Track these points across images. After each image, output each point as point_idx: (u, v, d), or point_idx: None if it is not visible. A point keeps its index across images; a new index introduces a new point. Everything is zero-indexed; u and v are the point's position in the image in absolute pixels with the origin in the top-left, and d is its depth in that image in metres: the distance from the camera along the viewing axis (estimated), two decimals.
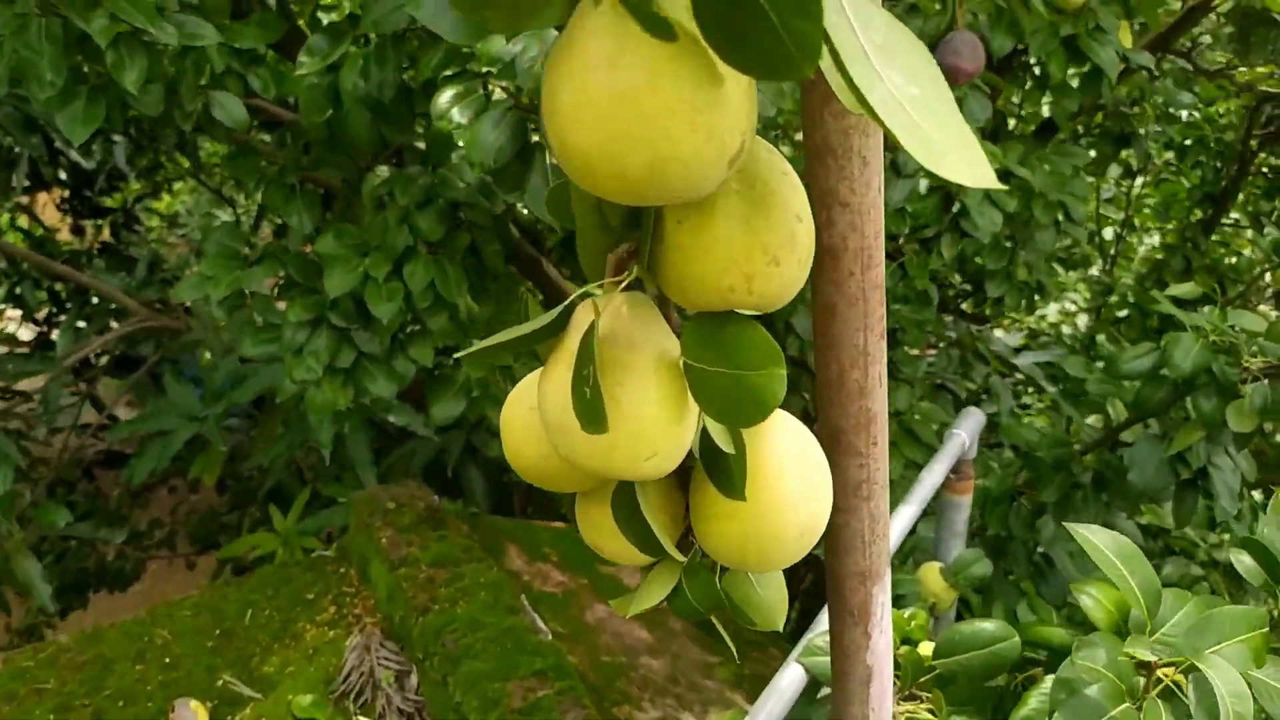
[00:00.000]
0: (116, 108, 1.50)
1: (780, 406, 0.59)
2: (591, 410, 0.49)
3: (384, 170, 1.76)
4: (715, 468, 0.57)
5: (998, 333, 3.79)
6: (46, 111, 1.49)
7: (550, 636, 1.71)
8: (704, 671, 1.92)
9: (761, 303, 0.48)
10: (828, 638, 1.25)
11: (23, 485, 3.35)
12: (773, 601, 0.70)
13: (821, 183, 0.66)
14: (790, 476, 0.58)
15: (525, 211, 2.04)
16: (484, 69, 1.26)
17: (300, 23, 1.94)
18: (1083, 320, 4.10)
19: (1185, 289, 2.36)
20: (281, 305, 2.00)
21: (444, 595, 1.78)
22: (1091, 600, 1.19)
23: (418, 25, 1.43)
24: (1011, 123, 2.74)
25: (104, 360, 4.46)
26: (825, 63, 0.35)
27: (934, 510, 2.38)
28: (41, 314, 4.80)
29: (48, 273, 4.47)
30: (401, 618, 1.81)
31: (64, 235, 5.33)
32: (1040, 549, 2.22)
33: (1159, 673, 0.91)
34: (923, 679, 1.20)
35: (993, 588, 2.18)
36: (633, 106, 0.35)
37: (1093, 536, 0.93)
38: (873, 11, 0.38)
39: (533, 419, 0.61)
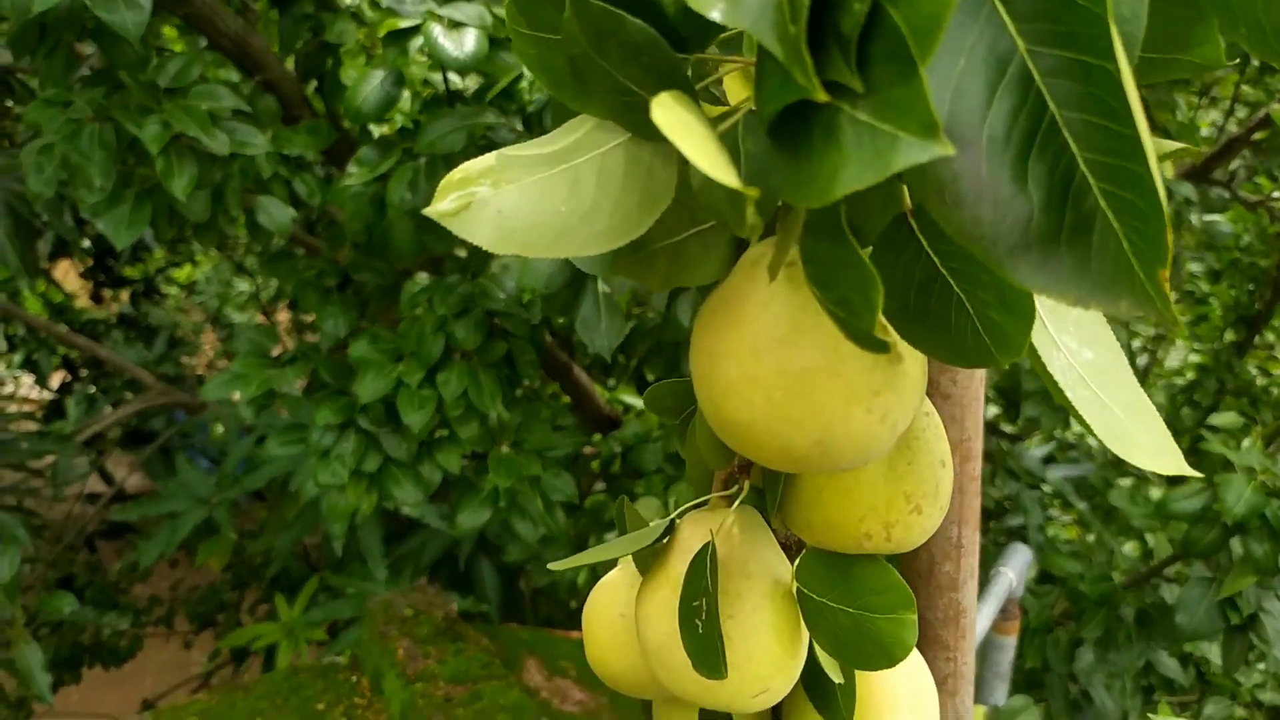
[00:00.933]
0: (163, 212, 1.50)
1: None
2: (706, 651, 0.45)
3: (423, 277, 1.75)
4: (820, 693, 0.53)
5: (1023, 445, 3.74)
6: (90, 215, 1.48)
7: None
8: None
9: (897, 549, 0.45)
10: None
11: (26, 566, 3.29)
12: None
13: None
14: (900, 707, 0.54)
15: (560, 320, 2.03)
16: None
17: (348, 127, 1.95)
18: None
19: (1227, 419, 2.32)
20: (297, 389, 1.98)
21: (461, 716, 1.70)
22: None
23: (475, 145, 1.43)
24: None
25: (114, 432, 4.43)
26: None
27: (978, 650, 2.31)
28: (55, 381, 4.78)
29: (64, 342, 4.47)
30: None
31: (82, 301, 5.36)
32: (1077, 681, 2.14)
33: None
34: None
35: None
36: (808, 390, 0.32)
37: None
38: None
39: (622, 627, 0.56)
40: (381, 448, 1.83)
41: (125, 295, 5.27)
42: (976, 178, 0.25)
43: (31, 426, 4.13)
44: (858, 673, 0.53)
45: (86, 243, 4.90)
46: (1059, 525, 3.70)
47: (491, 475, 1.87)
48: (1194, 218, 2.43)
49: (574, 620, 3.24)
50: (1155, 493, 2.55)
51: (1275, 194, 2.40)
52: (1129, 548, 2.52)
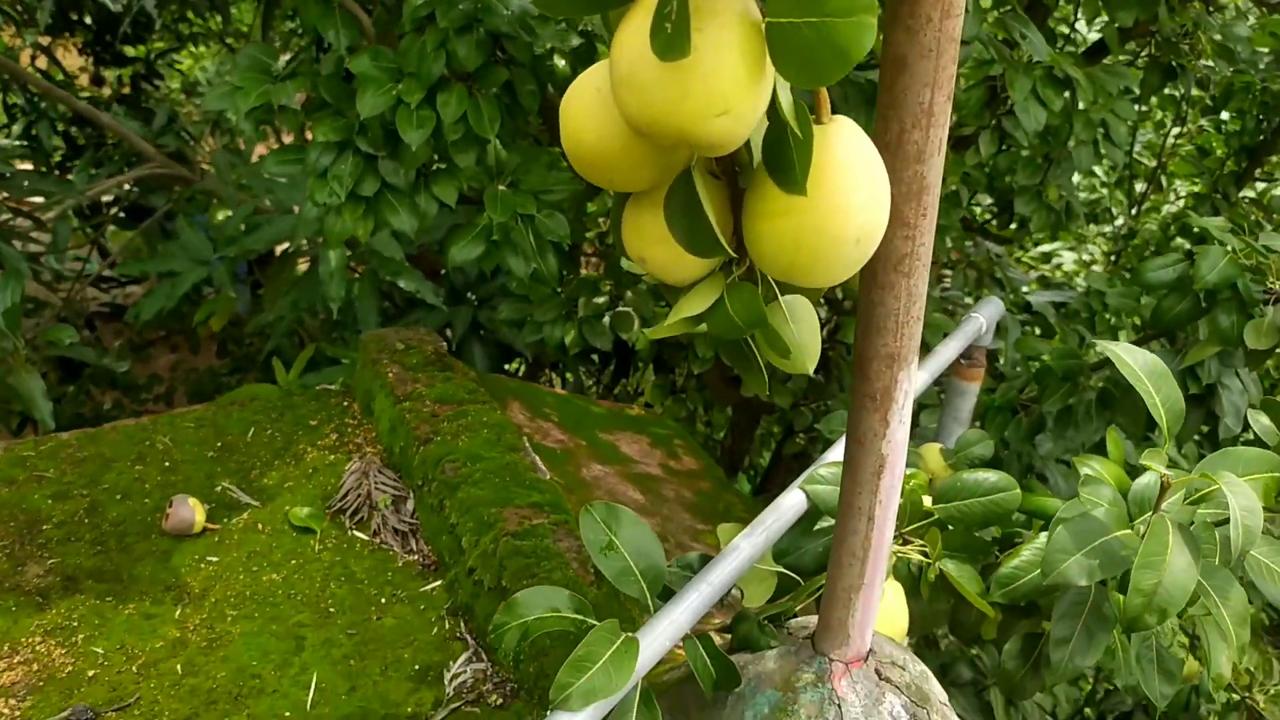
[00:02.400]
0: None
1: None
2: (672, 40, 0.48)
3: None
4: (777, 160, 0.57)
5: (1015, 269, 3.78)
6: None
7: (548, 475, 1.72)
8: (692, 535, 1.95)
9: None
10: (835, 469, 1.26)
11: (27, 323, 3.36)
12: (806, 343, 0.70)
13: None
14: (852, 177, 0.57)
15: (562, 64, 2.01)
16: None
17: None
18: (1099, 269, 4.09)
19: (1215, 222, 2.34)
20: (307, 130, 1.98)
21: (446, 429, 1.79)
22: (1093, 471, 1.20)
23: None
24: (1061, 45, 2.69)
25: (115, 209, 4.43)
26: None
27: (932, 405, 2.40)
28: (55, 159, 4.75)
29: (65, 114, 4.41)
30: (402, 448, 1.82)
31: (82, 82, 5.26)
32: (1035, 467, 2.24)
33: (1167, 500, 0.91)
34: (919, 524, 1.21)
35: None
36: None
37: (1123, 353, 0.93)
38: None
39: (596, 100, 0.60)
40: (379, 172, 1.85)
41: (126, 78, 5.17)
42: None
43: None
44: (814, 146, 0.56)
45: (87, 19, 4.78)
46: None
47: (487, 210, 1.90)
48: (1212, 27, 2.38)
49: None
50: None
51: None
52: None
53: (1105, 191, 3.74)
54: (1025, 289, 3.66)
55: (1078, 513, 0.97)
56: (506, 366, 3.56)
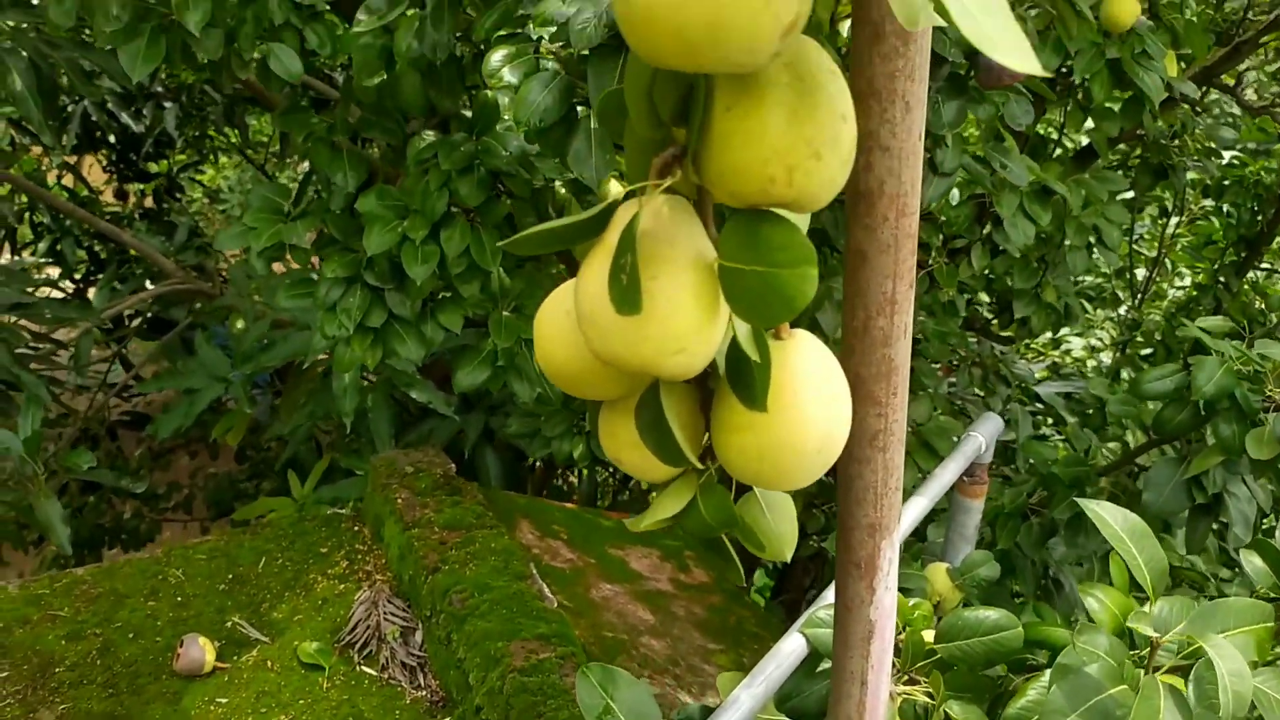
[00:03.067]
0: (176, 49, 1.55)
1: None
2: (627, 294, 0.51)
3: (429, 135, 1.79)
4: (739, 378, 0.59)
5: (1021, 363, 3.78)
6: (107, 43, 1.53)
7: (555, 604, 1.73)
8: (703, 656, 1.93)
9: (800, 197, 0.50)
10: (833, 611, 1.26)
11: (49, 433, 3.42)
12: (783, 532, 0.72)
13: (862, 125, 0.69)
14: (811, 392, 0.60)
15: (563, 191, 2.07)
16: (537, 33, 1.29)
17: None
18: (1106, 358, 4.09)
19: (1214, 322, 2.35)
20: (315, 260, 2.04)
21: (454, 557, 1.80)
22: (1097, 602, 1.19)
23: None
24: (1052, 149, 2.74)
25: (137, 322, 4.54)
26: None
27: (945, 513, 2.38)
28: (79, 273, 4.89)
29: (89, 230, 4.56)
30: (411, 576, 1.83)
31: (107, 198, 5.43)
32: (1050, 570, 2.22)
33: (1159, 657, 0.91)
34: (922, 663, 1.20)
35: (998, 603, 2.18)
36: None
37: (1104, 513, 0.94)
38: None
39: (566, 322, 0.63)
40: (386, 304, 1.90)
41: (149, 192, 5.34)
42: None
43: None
44: (773, 363, 0.59)
45: (111, 138, 4.96)
46: (1051, 445, 3.77)
47: (492, 336, 1.94)
48: (1199, 127, 2.43)
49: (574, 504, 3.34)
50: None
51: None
52: (1111, 445, 2.58)
53: (1109, 276, 3.76)
54: (1036, 375, 3.67)
55: (1075, 663, 0.97)
56: (523, 464, 3.57)
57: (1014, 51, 0.40)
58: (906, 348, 0.77)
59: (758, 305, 0.52)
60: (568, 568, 2.09)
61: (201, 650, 1.67)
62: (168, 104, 4.31)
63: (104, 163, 5.08)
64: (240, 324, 4.51)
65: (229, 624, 1.79)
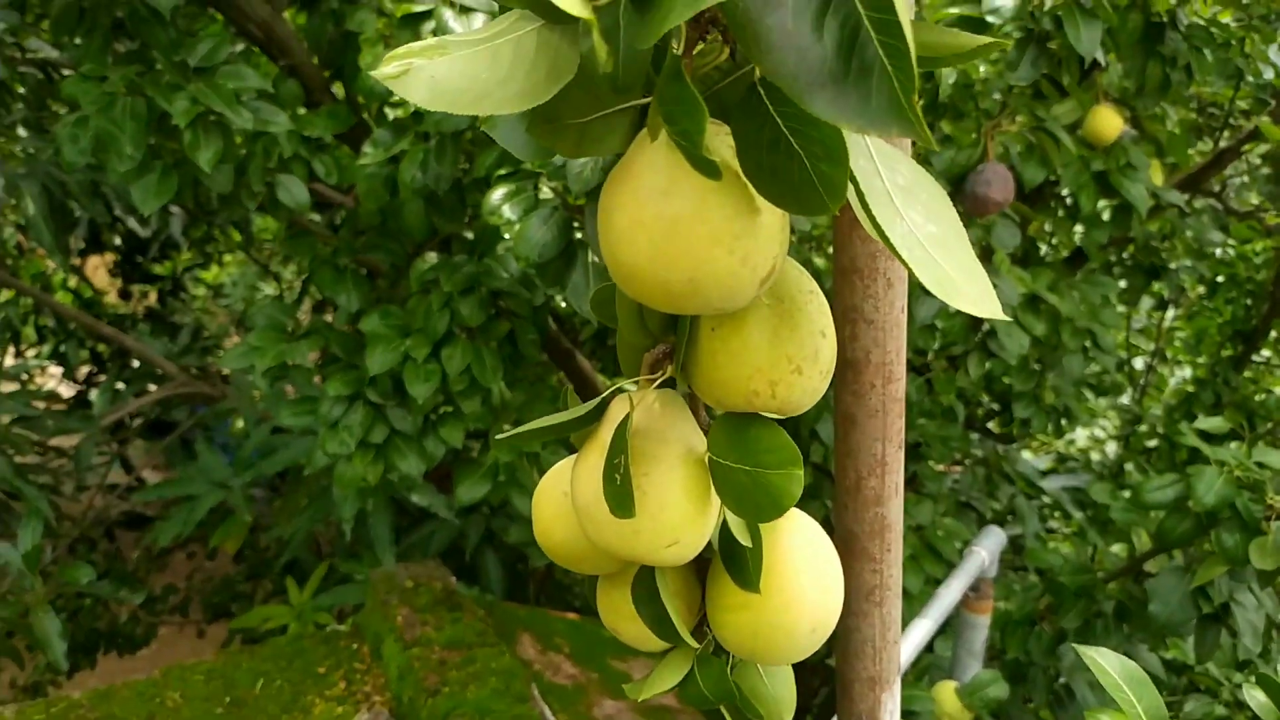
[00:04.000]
0: (188, 184, 1.60)
1: (803, 511, 0.63)
2: (620, 497, 0.52)
3: (432, 256, 1.84)
4: (732, 560, 0.60)
5: (1025, 454, 3.78)
6: (119, 183, 1.58)
7: None
8: None
9: (784, 407, 0.52)
10: None
11: (46, 540, 3.41)
12: (781, 697, 0.72)
13: (847, 299, 0.71)
14: (803, 573, 0.61)
15: (563, 305, 2.11)
16: (536, 169, 1.33)
17: (365, 116, 2.05)
18: (1111, 448, 4.09)
19: (1213, 424, 2.37)
20: (318, 379, 2.07)
21: (455, 678, 1.78)
22: None
23: (476, 126, 1.52)
24: (1043, 249, 2.80)
25: (138, 423, 4.56)
26: (854, 200, 0.40)
27: (952, 629, 2.35)
28: (82, 373, 4.92)
29: (92, 333, 4.61)
30: (410, 698, 1.80)
31: (111, 298, 5.50)
32: (1060, 678, 2.18)
33: None
34: None
35: (1010, 714, 2.14)
36: (679, 232, 0.39)
37: (1102, 660, 0.93)
38: (898, 157, 0.43)
39: (564, 503, 0.64)
40: (388, 420, 1.92)
41: (153, 293, 5.41)
42: (784, 29, 0.33)
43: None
44: (766, 544, 0.60)
45: (117, 240, 5.05)
46: (1059, 538, 3.74)
47: (493, 450, 1.95)
48: (1187, 228, 2.48)
49: (572, 609, 3.31)
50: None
51: (1268, 207, 2.45)
52: (1116, 548, 2.56)
53: (1107, 369, 3.78)
54: (1041, 467, 3.65)
55: None
56: (525, 565, 3.54)
57: (976, 298, 0.42)
58: (898, 505, 0.79)
59: (747, 502, 0.53)
60: (570, 684, 2.06)
61: None
62: (174, 209, 4.40)
63: (109, 265, 5.16)
64: (240, 423, 4.53)
65: None
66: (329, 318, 3.35)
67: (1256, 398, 3.14)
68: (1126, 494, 2.13)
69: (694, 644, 0.64)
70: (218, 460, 3.27)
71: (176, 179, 1.57)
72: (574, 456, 0.68)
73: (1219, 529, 1.71)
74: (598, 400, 0.58)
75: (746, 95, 0.38)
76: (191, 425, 4.27)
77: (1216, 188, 2.50)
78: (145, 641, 4.30)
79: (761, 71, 0.33)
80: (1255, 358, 3.14)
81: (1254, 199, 2.57)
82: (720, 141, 0.41)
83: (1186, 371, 4.16)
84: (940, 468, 2.64)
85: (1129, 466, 3.39)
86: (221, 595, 4.53)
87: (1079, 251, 2.64)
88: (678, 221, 0.40)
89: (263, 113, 1.60)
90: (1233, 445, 2.33)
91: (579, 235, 1.35)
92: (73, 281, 5.25)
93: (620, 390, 0.59)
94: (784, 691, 0.73)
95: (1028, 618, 2.16)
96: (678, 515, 0.55)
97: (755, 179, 0.39)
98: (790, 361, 0.50)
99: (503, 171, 1.40)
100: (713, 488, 0.56)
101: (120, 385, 4.55)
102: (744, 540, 0.57)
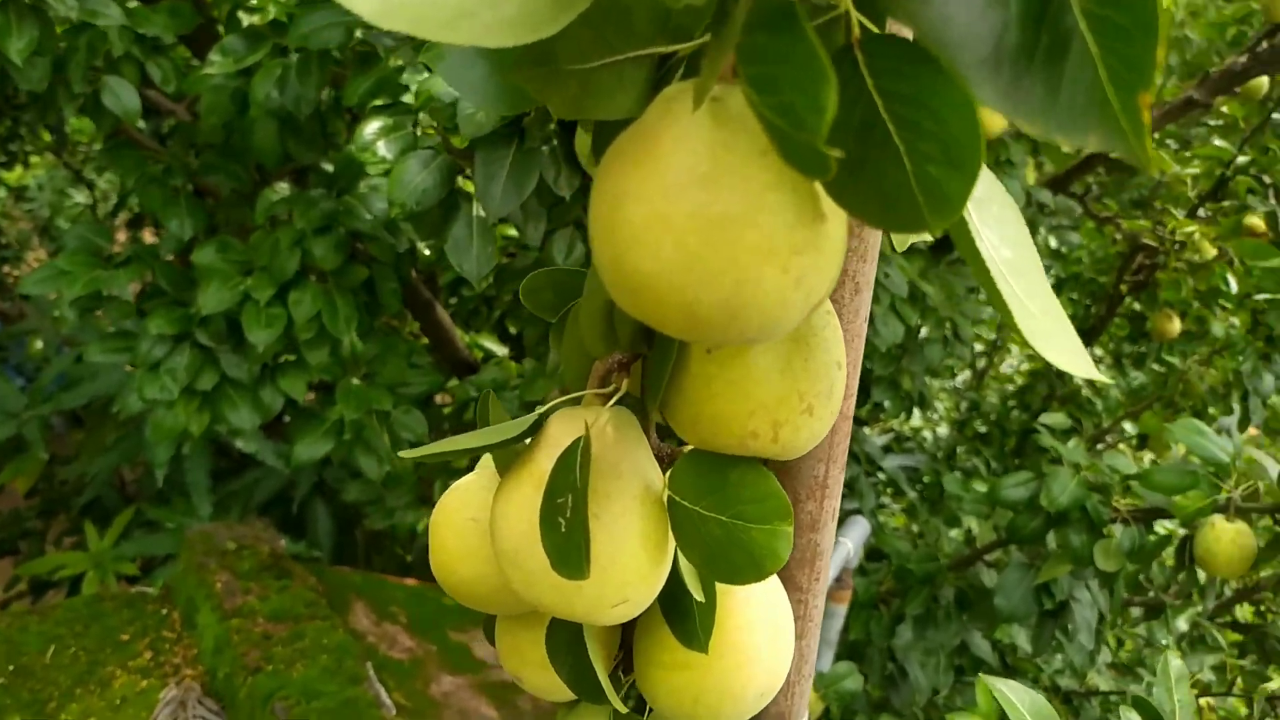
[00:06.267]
0: None
1: None
2: (568, 549, 0.41)
3: (283, 187, 1.64)
4: (677, 612, 0.50)
5: (865, 430, 3.88)
6: None
7: (394, 712, 1.58)
8: None
9: (783, 452, 0.42)
10: None
11: None
12: None
13: None
14: (757, 629, 0.52)
15: (426, 251, 1.95)
16: (418, 105, 1.18)
17: (215, 15, 1.81)
18: (944, 429, 4.26)
19: (1056, 419, 2.46)
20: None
21: (280, 655, 1.62)
22: None
23: (351, 45, 1.34)
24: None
25: None
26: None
27: None
28: None
29: None
30: (227, 675, 1.64)
31: None
32: (896, 657, 2.23)
33: None
34: None
35: (859, 712, 2.18)
36: (723, 239, 0.28)
37: (1010, 694, 0.90)
38: None
39: (473, 533, 0.52)
40: (219, 365, 1.71)
41: None
42: None
43: None
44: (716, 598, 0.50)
45: None
46: (889, 513, 3.87)
47: (339, 406, 1.78)
48: (1044, 229, 2.55)
49: (408, 571, 3.16)
50: (980, 486, 2.69)
51: (1123, 215, 2.54)
52: (954, 533, 2.65)
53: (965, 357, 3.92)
54: (879, 444, 3.75)
55: None
56: (359, 522, 3.35)
57: (1071, 351, 0.34)
58: (832, 531, 0.71)
59: (719, 560, 0.43)
60: (406, 658, 1.93)
61: None
62: None
63: None
64: (39, 345, 4.09)
65: None
66: (148, 238, 3.02)
67: (1083, 394, 3.30)
68: (977, 486, 2.17)
69: (621, 707, 0.53)
70: (10, 388, 2.92)
71: None
72: (478, 473, 0.57)
73: (1067, 529, 1.75)
74: (533, 417, 0.46)
75: (834, 59, 0.28)
76: None
77: (1080, 190, 2.57)
78: None
79: (912, 25, 0.23)
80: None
81: (1112, 206, 2.67)
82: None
83: (1015, 360, 4.36)
84: None
85: (960, 450, 3.52)
86: (9, 531, 4.10)
87: (943, 240, 2.67)
88: (722, 224, 0.29)
89: (90, 2, 1.35)
90: (1071, 443, 2.42)
91: (464, 184, 1.20)
92: None
93: (562, 403, 0.47)
94: None
95: (870, 600, 2.19)
96: (630, 570, 0.44)
97: (833, 180, 0.29)
98: (802, 399, 0.40)
99: (379, 102, 1.24)
100: (669, 535, 0.46)
101: None
102: (697, 594, 0.48)
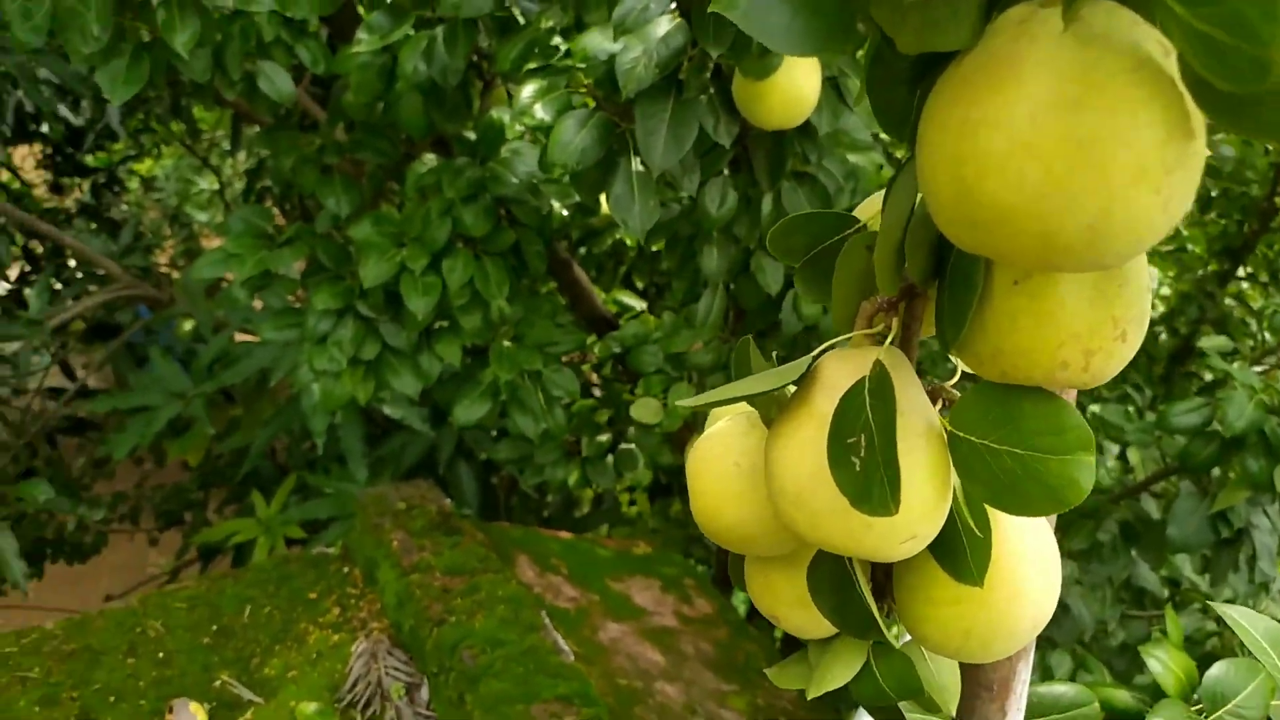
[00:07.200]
0: (161, 69, 1.41)
1: None
2: (869, 488, 0.42)
3: (430, 158, 1.68)
4: (948, 548, 0.51)
5: None
6: (82, 67, 1.39)
7: (572, 658, 1.64)
8: (719, 700, 1.86)
9: (1092, 381, 0.42)
10: None
11: None
12: (947, 684, 0.64)
13: None
14: (1032, 564, 0.52)
15: (564, 212, 1.97)
16: (576, 64, 1.19)
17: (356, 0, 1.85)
18: None
19: (1218, 343, 2.35)
20: (300, 292, 1.91)
21: (460, 606, 1.70)
22: (1160, 665, 1.14)
23: (496, 13, 1.35)
24: None
25: (76, 325, 4.30)
26: None
27: None
28: (14, 271, 4.62)
29: (25, 229, 4.30)
30: (412, 627, 1.72)
31: (40, 192, 5.15)
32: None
33: None
34: None
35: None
36: (1095, 161, 0.28)
37: (1243, 620, 0.88)
38: None
39: (735, 476, 0.54)
40: (381, 335, 1.78)
41: (86, 186, 5.07)
42: None
43: None
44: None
45: (45, 129, 4.69)
46: None
47: (493, 367, 1.83)
48: None
49: (546, 524, 3.25)
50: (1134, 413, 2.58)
51: None
52: (1111, 464, 2.57)
53: None
54: None
55: None
56: (498, 480, 3.46)
57: None
58: None
59: (1012, 493, 0.43)
60: (572, 607, 2.00)
61: (193, 716, 1.54)
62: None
63: (39, 157, 4.80)
64: (186, 327, 4.31)
65: (217, 683, 1.67)
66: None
67: (1236, 313, 3.14)
68: (1153, 418, 2.09)
69: (894, 642, 0.54)
70: (175, 370, 3.09)
71: (148, 63, 1.38)
72: (734, 420, 0.58)
73: (1244, 454, 1.68)
74: (808, 360, 0.47)
75: None
76: (137, 329, 4.04)
77: None
78: (95, 550, 4.16)
79: None
80: (1239, 275, 3.13)
81: None
82: (1138, 29, 0.29)
83: (1163, 290, 4.17)
84: None
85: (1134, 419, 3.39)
86: (173, 503, 4.38)
87: None
88: (1095, 145, 0.28)
89: None
90: (1235, 365, 2.31)
91: (624, 140, 1.21)
92: (2, 174, 4.88)
93: (830, 346, 0.48)
94: (949, 678, 0.65)
95: None
96: (920, 505, 0.45)
97: (1199, 90, 0.28)
98: (1115, 326, 0.40)
99: (532, 65, 1.25)
100: (950, 467, 0.46)
101: (57, 285, 4.28)
102: (977, 529, 0.48)
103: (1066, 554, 2.07)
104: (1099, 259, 0.31)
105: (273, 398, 3.19)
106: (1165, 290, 3.82)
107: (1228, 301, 3.12)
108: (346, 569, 1.96)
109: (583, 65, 1.16)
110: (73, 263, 4.28)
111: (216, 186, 6.10)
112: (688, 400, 0.47)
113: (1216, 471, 1.80)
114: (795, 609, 0.57)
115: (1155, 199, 0.29)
